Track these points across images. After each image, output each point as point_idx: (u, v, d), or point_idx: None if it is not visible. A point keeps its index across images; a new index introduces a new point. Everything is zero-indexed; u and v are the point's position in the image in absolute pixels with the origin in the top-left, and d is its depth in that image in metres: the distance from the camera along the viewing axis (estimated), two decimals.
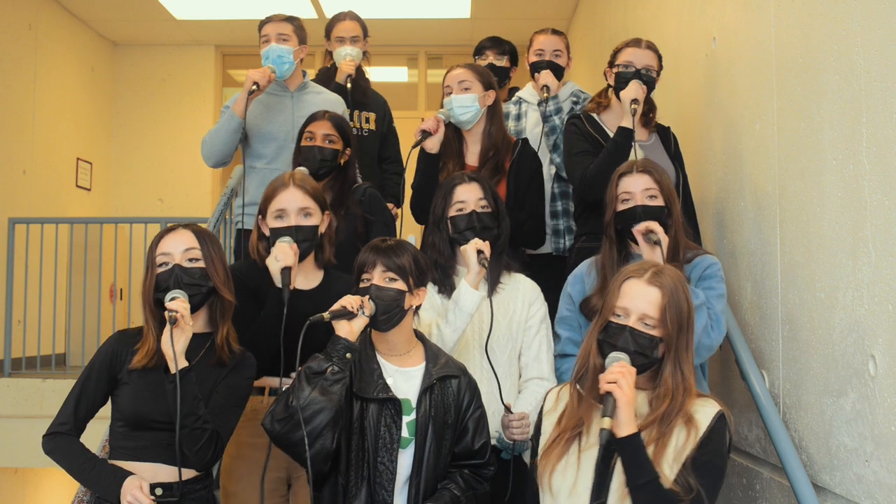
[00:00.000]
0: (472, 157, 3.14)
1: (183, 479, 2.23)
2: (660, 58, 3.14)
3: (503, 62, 4.12)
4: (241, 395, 2.33)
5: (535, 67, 3.65)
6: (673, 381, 1.93)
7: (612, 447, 1.85)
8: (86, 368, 2.29)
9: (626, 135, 2.91)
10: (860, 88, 2.10)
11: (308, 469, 2.05)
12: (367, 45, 4.04)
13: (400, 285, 2.22)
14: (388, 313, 2.21)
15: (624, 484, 1.87)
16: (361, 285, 2.24)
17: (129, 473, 2.17)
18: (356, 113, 3.91)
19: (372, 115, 3.97)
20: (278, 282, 2.41)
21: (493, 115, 3.14)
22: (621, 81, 3.04)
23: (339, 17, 4.02)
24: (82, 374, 2.28)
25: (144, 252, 2.44)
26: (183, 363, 2.14)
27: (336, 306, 2.14)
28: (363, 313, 2.15)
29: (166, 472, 2.21)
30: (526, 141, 3.26)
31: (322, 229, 2.59)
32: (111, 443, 2.30)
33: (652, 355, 1.94)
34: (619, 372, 1.87)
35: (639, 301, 1.95)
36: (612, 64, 3.13)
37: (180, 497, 2.21)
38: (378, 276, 2.22)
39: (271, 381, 2.52)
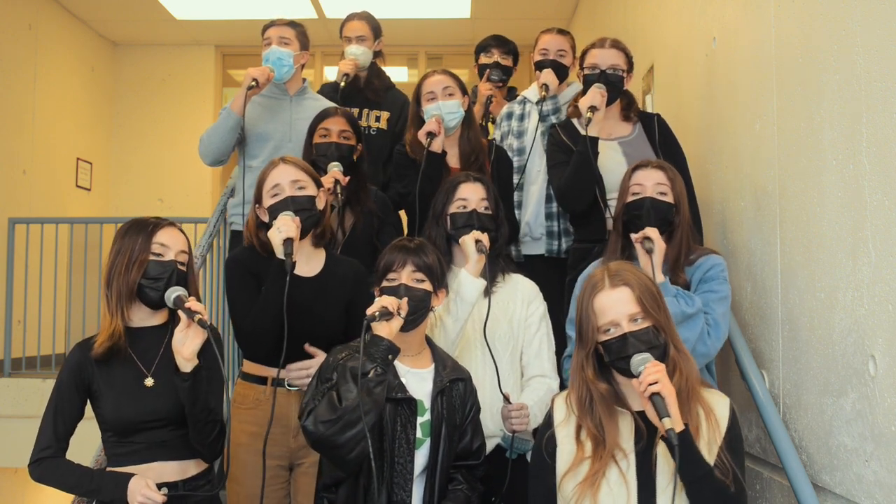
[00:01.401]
0: (453, 159, 3.20)
1: (188, 475, 2.24)
2: (628, 55, 3.12)
3: (508, 61, 4.14)
4: (214, 374, 2.30)
5: (539, 67, 3.65)
6: (678, 356, 1.96)
7: (682, 443, 1.82)
8: (54, 388, 2.25)
9: (586, 144, 2.90)
10: (860, 88, 2.10)
11: (373, 469, 2.02)
12: (380, 45, 4.04)
13: (427, 286, 2.25)
14: (417, 313, 2.22)
15: (671, 481, 1.87)
16: (387, 284, 2.24)
17: (129, 476, 2.16)
18: (365, 111, 3.91)
19: (384, 114, 3.95)
20: (280, 253, 2.40)
21: (470, 119, 3.22)
22: (587, 85, 3.05)
23: (348, 18, 4.07)
24: (52, 395, 2.24)
25: None
26: (195, 362, 2.15)
27: (377, 306, 2.12)
28: (400, 314, 2.15)
29: (170, 470, 2.22)
30: (494, 142, 3.35)
31: (319, 205, 2.59)
32: (106, 452, 2.28)
33: (660, 343, 1.95)
34: (656, 371, 1.86)
35: (618, 306, 1.95)
36: (581, 67, 3.13)
37: (186, 494, 2.22)
38: (407, 276, 2.23)
39: (274, 372, 2.51)
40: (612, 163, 2.99)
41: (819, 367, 2.33)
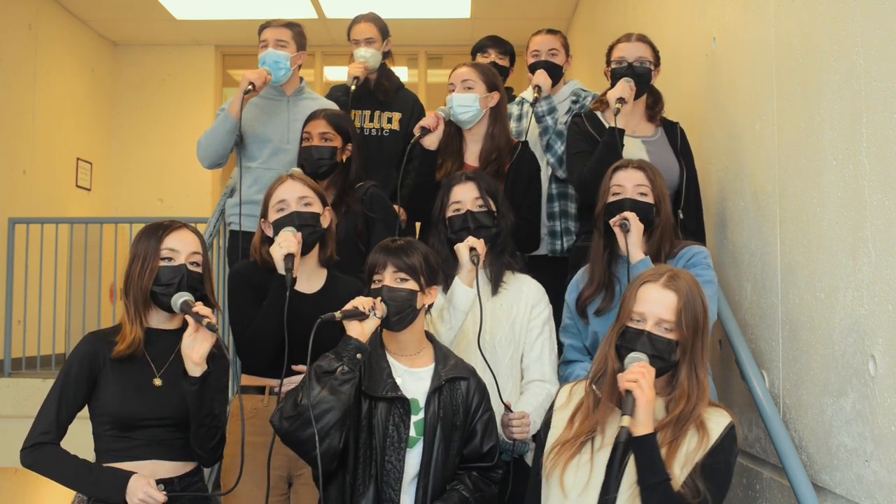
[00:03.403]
0: (472, 156, 3.13)
1: (181, 473, 2.25)
2: (654, 49, 3.12)
3: (504, 62, 4.13)
4: (221, 386, 2.33)
5: (533, 69, 3.65)
6: (689, 384, 1.95)
7: (627, 445, 1.86)
8: (61, 374, 2.24)
9: (613, 134, 2.90)
10: (860, 88, 2.10)
11: (319, 467, 2.05)
12: (389, 45, 4.01)
13: (411, 285, 2.23)
14: (401, 314, 2.21)
15: (634, 483, 1.88)
16: (373, 286, 2.24)
17: (129, 473, 2.15)
18: (377, 113, 3.86)
19: (396, 115, 3.90)
20: (281, 268, 2.40)
21: (497, 117, 3.12)
22: (616, 78, 3.04)
23: (355, 20, 3.98)
24: (59, 381, 2.23)
25: None
26: (204, 367, 2.16)
27: (348, 306, 2.14)
28: (375, 315, 2.15)
29: (165, 469, 2.22)
30: (526, 144, 3.25)
31: (324, 223, 2.59)
32: (98, 446, 2.26)
33: (670, 359, 1.95)
34: (639, 372, 1.88)
35: (655, 305, 1.97)
36: (608, 62, 3.13)
37: (181, 491, 2.22)
38: (389, 277, 2.23)
39: (272, 382, 2.52)
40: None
41: (819, 367, 2.33)
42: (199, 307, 2.17)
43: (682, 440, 1.90)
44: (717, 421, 1.95)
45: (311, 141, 3.07)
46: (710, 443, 1.91)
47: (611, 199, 2.62)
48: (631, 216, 2.54)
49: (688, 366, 1.96)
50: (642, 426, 1.85)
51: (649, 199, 2.60)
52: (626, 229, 2.53)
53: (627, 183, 2.61)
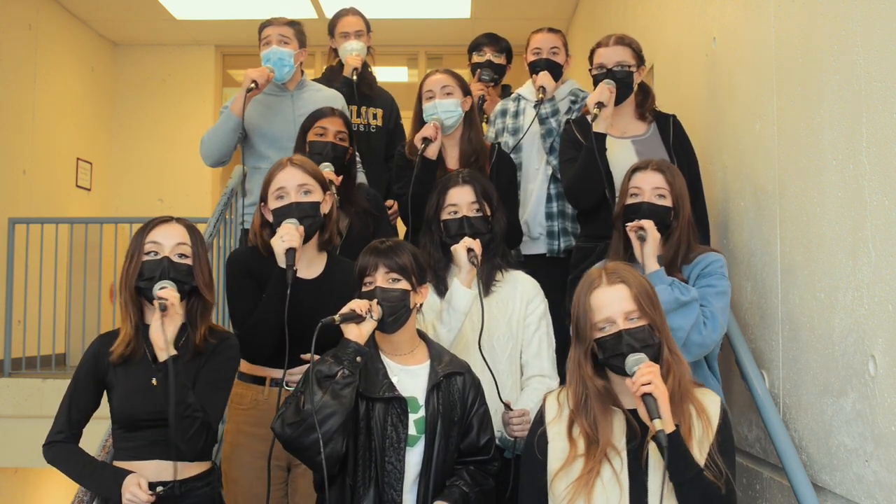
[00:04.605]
0: (452, 160, 3.19)
1: (185, 476, 2.23)
2: (635, 49, 3.10)
3: (501, 59, 4.13)
4: (223, 377, 2.32)
5: (533, 67, 3.65)
6: (672, 358, 1.96)
7: (670, 446, 1.83)
8: (73, 376, 2.30)
9: (592, 140, 2.90)
10: (860, 88, 2.10)
11: (325, 472, 2.03)
12: (370, 40, 4.05)
13: (404, 285, 2.23)
14: (396, 314, 2.21)
15: (660, 487, 1.87)
16: (365, 289, 2.23)
17: (128, 473, 2.17)
18: (363, 108, 3.92)
19: (379, 112, 3.97)
20: (282, 262, 2.39)
21: (472, 120, 3.21)
22: (597, 85, 3.04)
23: (341, 14, 4.05)
24: (71, 382, 2.29)
25: None
26: (171, 352, 2.15)
27: (345, 309, 2.13)
28: (371, 317, 2.15)
29: (169, 469, 2.21)
30: (500, 146, 3.34)
31: (325, 209, 2.57)
32: (115, 445, 2.32)
33: (654, 342, 1.95)
34: (649, 372, 1.87)
35: (615, 304, 1.96)
36: (590, 67, 3.14)
37: (182, 494, 2.21)
38: (381, 279, 2.22)
39: (272, 373, 2.51)
40: (624, 161, 2.97)
41: (819, 367, 2.33)
42: (166, 291, 2.18)
43: (690, 429, 1.91)
44: (713, 401, 1.99)
45: (327, 137, 3.08)
46: (714, 424, 1.93)
47: (629, 200, 2.62)
48: (648, 225, 2.53)
49: (666, 341, 1.98)
50: (668, 423, 1.84)
51: (667, 202, 2.59)
52: (642, 239, 2.52)
53: (645, 185, 2.60)
